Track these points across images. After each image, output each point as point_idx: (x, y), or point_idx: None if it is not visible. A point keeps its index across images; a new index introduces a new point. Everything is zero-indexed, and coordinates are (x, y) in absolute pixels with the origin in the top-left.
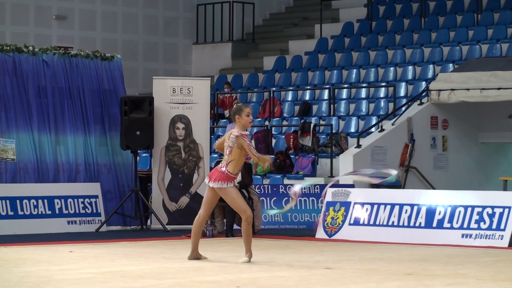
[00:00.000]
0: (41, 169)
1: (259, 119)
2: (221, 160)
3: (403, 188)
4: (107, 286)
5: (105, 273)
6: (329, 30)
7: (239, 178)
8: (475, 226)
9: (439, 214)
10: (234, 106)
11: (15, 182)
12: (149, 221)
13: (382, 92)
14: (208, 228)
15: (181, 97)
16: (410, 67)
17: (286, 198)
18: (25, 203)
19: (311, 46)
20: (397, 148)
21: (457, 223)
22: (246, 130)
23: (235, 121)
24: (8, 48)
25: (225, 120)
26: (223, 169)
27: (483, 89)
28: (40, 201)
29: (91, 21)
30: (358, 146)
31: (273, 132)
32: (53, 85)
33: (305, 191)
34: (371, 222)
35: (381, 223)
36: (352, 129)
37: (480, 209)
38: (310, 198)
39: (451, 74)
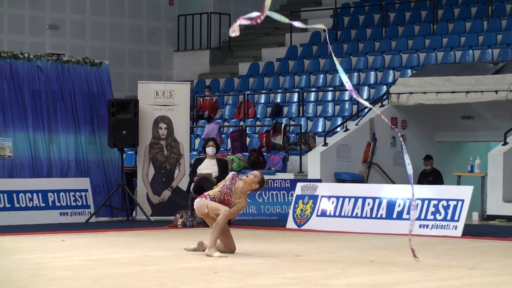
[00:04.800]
0: (36, 165)
1: (235, 119)
2: (201, 157)
3: (366, 182)
4: (96, 272)
5: (94, 260)
6: (299, 39)
7: (215, 173)
8: (432, 217)
9: (399, 206)
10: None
11: (12, 177)
12: (134, 212)
13: (346, 95)
14: (188, 219)
15: (163, 100)
16: (372, 73)
17: (259, 192)
18: (21, 196)
19: (282, 53)
20: (361, 146)
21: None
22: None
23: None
24: (5, 54)
25: (203, 120)
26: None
27: (438, 92)
28: (34, 194)
29: (81, 31)
30: (325, 144)
31: (247, 132)
32: (46, 88)
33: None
34: (337, 214)
35: (346, 215)
36: (320, 129)
37: (436, 202)
38: (281, 192)
39: (409, 79)
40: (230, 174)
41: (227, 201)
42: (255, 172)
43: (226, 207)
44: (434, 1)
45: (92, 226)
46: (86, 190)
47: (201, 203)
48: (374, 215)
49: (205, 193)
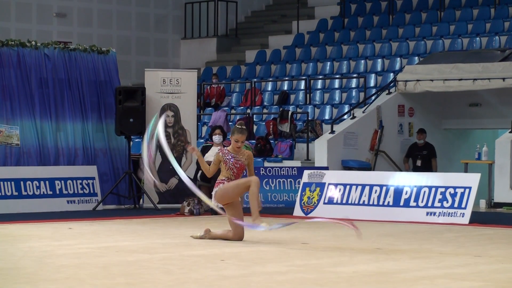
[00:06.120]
0: (43, 153)
1: (242, 107)
2: (208, 145)
3: (373, 170)
4: (104, 259)
5: (101, 248)
6: (305, 26)
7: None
8: (439, 204)
9: (406, 194)
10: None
11: (19, 165)
12: (141, 200)
13: (353, 82)
14: (195, 206)
15: (170, 88)
16: (379, 60)
17: (266, 179)
18: (29, 184)
19: (289, 41)
20: (368, 133)
21: (422, 202)
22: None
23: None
24: (12, 43)
25: (211, 108)
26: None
27: (445, 80)
28: (42, 182)
29: (88, 18)
30: (332, 132)
31: (254, 119)
32: (53, 76)
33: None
34: (344, 201)
35: (353, 202)
36: (327, 116)
37: (443, 189)
38: (288, 180)
39: (416, 66)
40: (216, 150)
41: (241, 166)
42: (234, 137)
43: (253, 176)
44: None
45: (99, 214)
46: (93, 178)
47: (222, 191)
48: (381, 203)
49: (218, 181)
